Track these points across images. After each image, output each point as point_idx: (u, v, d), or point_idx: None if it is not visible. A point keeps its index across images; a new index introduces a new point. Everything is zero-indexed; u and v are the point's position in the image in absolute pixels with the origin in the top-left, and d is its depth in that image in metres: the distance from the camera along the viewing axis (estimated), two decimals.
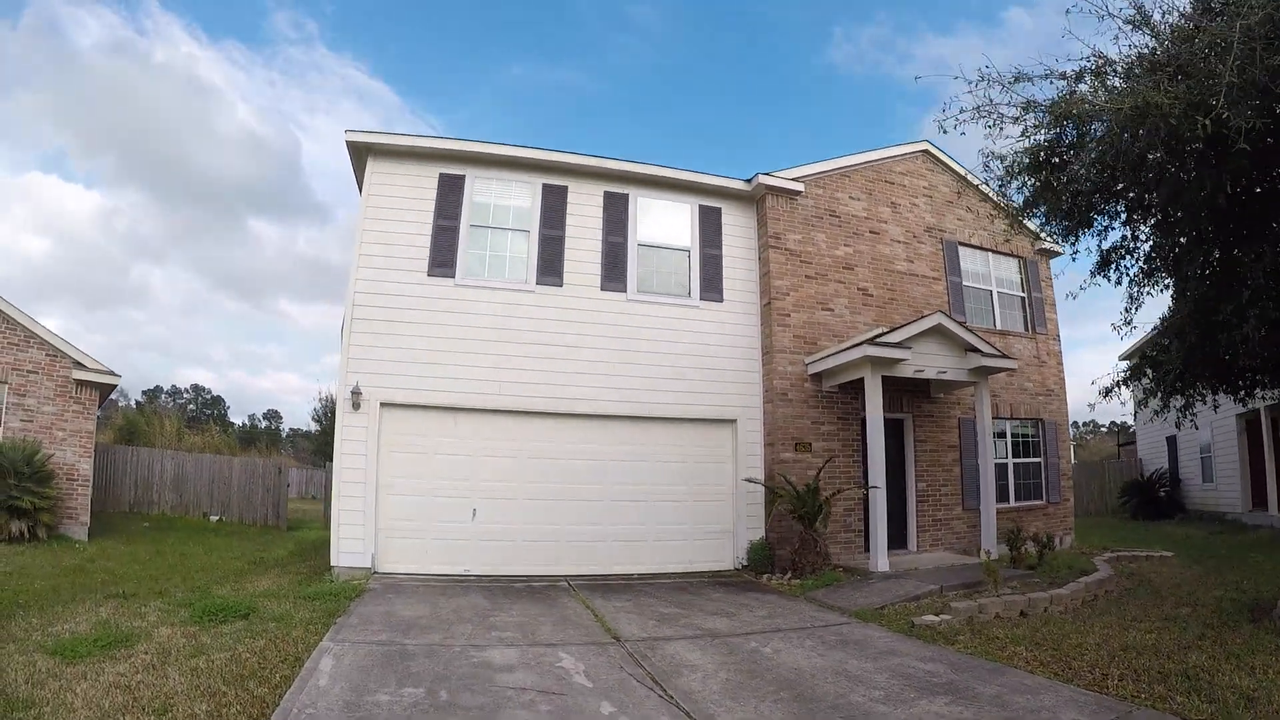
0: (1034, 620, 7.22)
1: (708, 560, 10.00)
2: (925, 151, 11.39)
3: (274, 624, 6.38)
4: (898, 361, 9.57)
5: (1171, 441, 17.77)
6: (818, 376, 10.27)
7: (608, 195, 10.26)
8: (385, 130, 9.56)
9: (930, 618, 6.91)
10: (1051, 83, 7.28)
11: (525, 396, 9.58)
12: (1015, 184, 7.82)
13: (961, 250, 11.37)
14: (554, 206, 10.05)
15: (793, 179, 10.52)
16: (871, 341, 9.46)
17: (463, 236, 9.73)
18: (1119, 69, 7.03)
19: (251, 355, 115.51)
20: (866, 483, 9.97)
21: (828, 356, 10.08)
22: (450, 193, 9.79)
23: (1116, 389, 8.02)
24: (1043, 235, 12.06)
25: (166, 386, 70.32)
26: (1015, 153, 7.02)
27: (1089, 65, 7.12)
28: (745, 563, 9.93)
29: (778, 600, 8.40)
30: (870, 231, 10.88)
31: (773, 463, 10.03)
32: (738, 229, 10.69)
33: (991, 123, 6.55)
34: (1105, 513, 18.89)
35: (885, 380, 9.95)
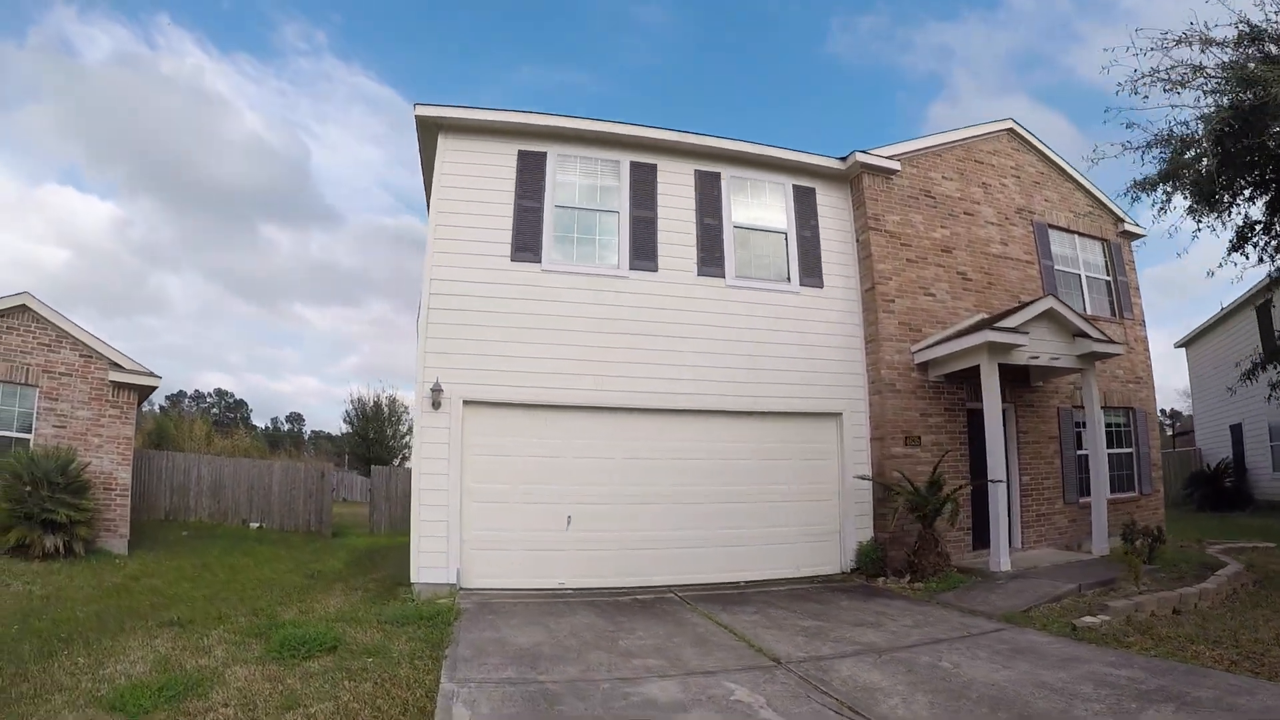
0: (1192, 617, 6.64)
1: (814, 564, 9.14)
2: (1010, 130, 10.64)
3: (370, 659, 5.31)
4: (1014, 348, 8.79)
5: (1236, 430, 16.94)
6: (924, 366, 9.47)
7: (699, 174, 9.38)
8: (458, 104, 8.50)
9: (1089, 619, 6.33)
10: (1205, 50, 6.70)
11: (622, 392, 8.57)
12: (1151, 155, 7.22)
13: (1051, 233, 10.74)
14: (643, 186, 9.16)
15: (888, 157, 9.72)
16: (993, 326, 8.70)
17: (547, 218, 8.76)
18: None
19: (268, 359, 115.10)
20: (973, 477, 9.30)
21: (939, 343, 9.31)
22: (531, 171, 8.84)
23: None
24: (1124, 217, 11.58)
25: (189, 391, 68.35)
26: (1174, 123, 6.41)
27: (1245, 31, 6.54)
28: (854, 565, 9.05)
29: (910, 606, 7.50)
30: (964, 213, 10.15)
31: (882, 458, 9.24)
32: (831, 210, 9.85)
33: (1168, 85, 5.91)
34: (1167, 505, 18.43)
35: (975, 370, 9.29)
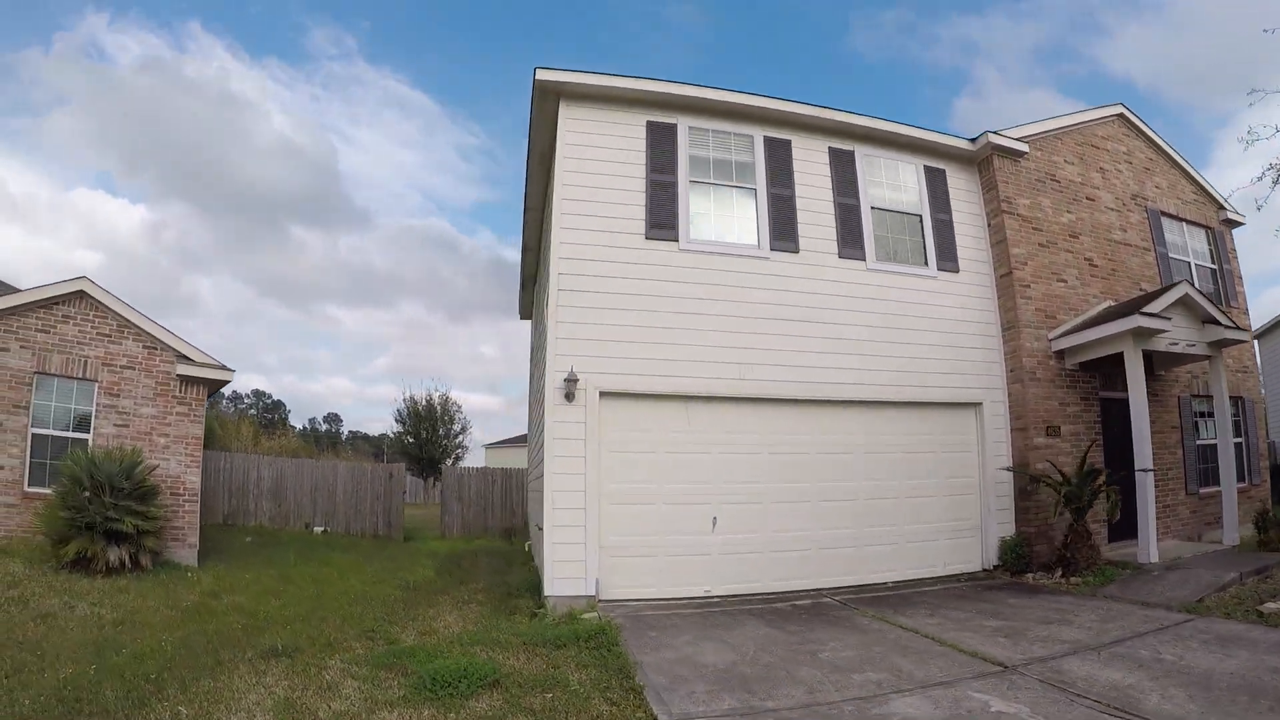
0: None
1: (958, 562, 8.42)
2: (1121, 115, 10.22)
3: (549, 695, 4.39)
4: (1157, 334, 8.28)
5: None
6: (1060, 354, 8.98)
7: (833, 152, 8.68)
8: (582, 69, 7.67)
9: (1272, 605, 6.12)
10: None
11: (765, 381, 7.73)
12: None
13: (1162, 219, 10.36)
14: (779, 162, 8.45)
15: (1016, 139, 9.26)
16: (1141, 311, 8.26)
17: (682, 194, 7.92)
18: None
19: (302, 360, 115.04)
20: (1107, 467, 8.83)
21: (1078, 330, 8.78)
22: (662, 143, 8.04)
23: None
24: (1225, 204, 11.32)
25: (227, 393, 65.26)
26: None
27: None
28: (996, 562, 8.31)
29: (1080, 601, 6.87)
30: (1086, 198, 9.69)
31: (1024, 449, 8.67)
32: (961, 193, 9.19)
33: None
34: None
35: (1107, 359, 8.88)
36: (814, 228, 8.25)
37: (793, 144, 8.36)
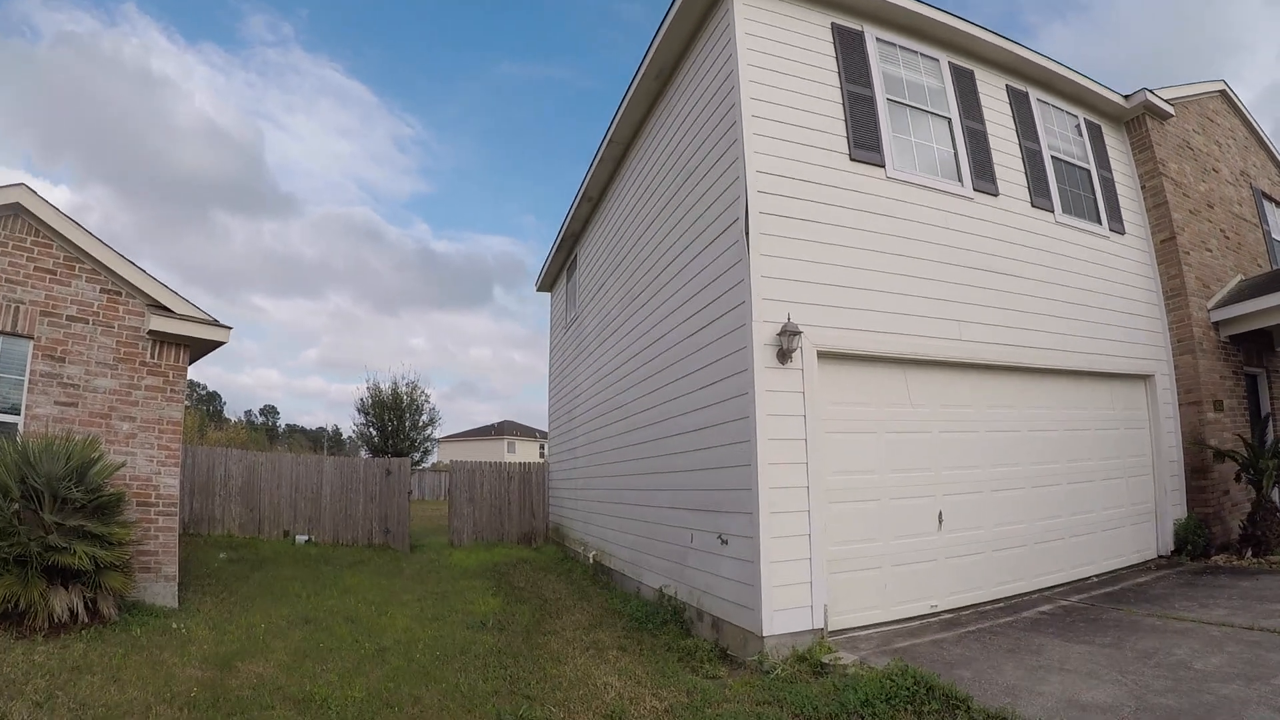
0: None
1: (1138, 550, 7.23)
2: (1223, 92, 10.00)
3: None
4: None
5: None
6: (1215, 325, 8.38)
7: (1011, 90, 7.45)
8: None
9: None
10: None
11: (982, 343, 6.16)
12: None
13: (1263, 199, 10.20)
14: (967, 93, 7.06)
15: (1168, 100, 8.61)
16: None
17: (882, 112, 6.20)
18: None
19: (228, 352, 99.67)
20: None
21: (1239, 300, 8.21)
22: (852, 52, 6.34)
23: None
24: None
25: None
26: None
27: None
28: (1173, 547, 7.34)
29: None
30: (1212, 169, 9.19)
31: (1197, 424, 7.81)
32: (1116, 151, 8.29)
33: None
34: None
35: (1249, 333, 8.40)
36: (1007, 170, 6.98)
37: (975, 76, 7.07)
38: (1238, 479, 7.45)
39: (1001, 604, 5.97)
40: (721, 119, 5.84)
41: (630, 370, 8.26)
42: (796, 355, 5.30)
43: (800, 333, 5.25)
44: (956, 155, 6.63)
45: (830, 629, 5.11)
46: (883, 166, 6.10)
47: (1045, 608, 5.84)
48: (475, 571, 9.60)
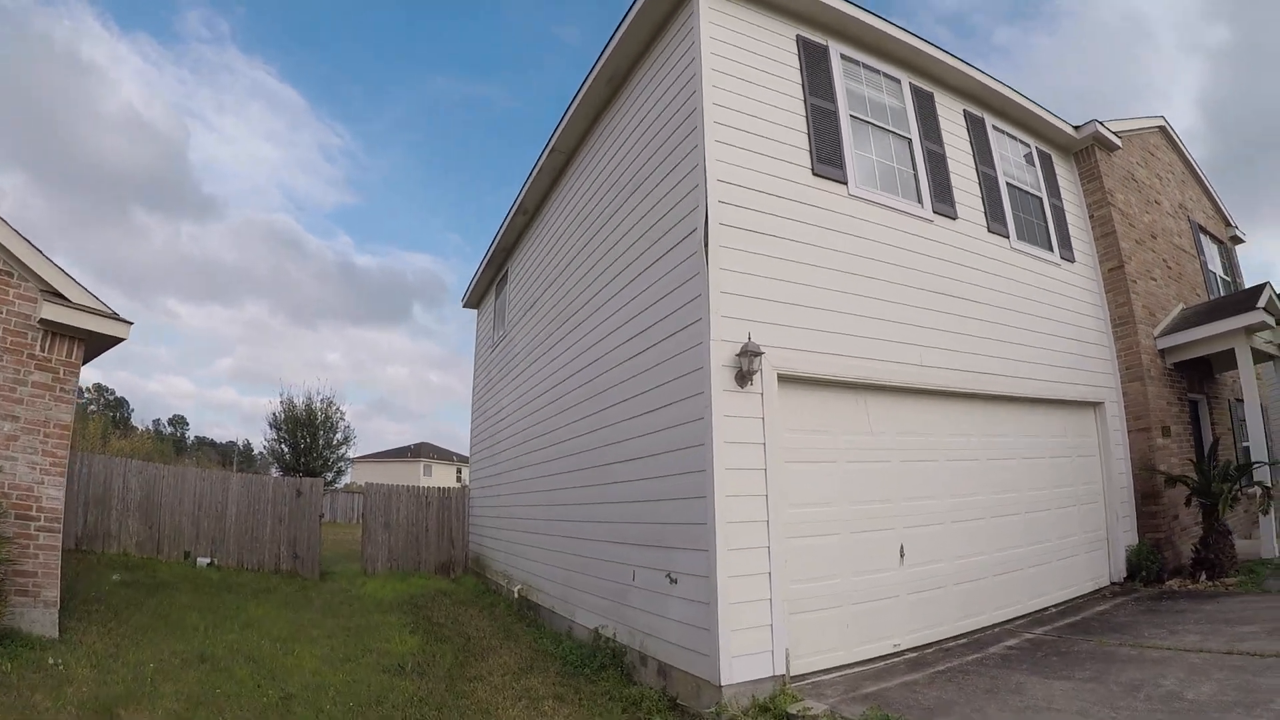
0: None
1: (1092, 578, 7.11)
2: (1162, 128, 10.36)
3: None
4: (1261, 329, 8.17)
5: None
6: (1161, 353, 8.50)
7: (968, 115, 7.40)
8: None
9: None
10: None
11: (942, 369, 5.98)
12: None
13: (1199, 232, 10.53)
14: (927, 114, 6.97)
15: (1114, 132, 8.78)
16: (1257, 307, 7.91)
17: (844, 128, 6.02)
18: None
19: (138, 356, 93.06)
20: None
21: (1183, 328, 8.36)
22: (816, 65, 6.07)
23: None
24: (1232, 221, 11.87)
25: None
26: None
27: None
28: (1125, 574, 7.30)
29: (1262, 601, 6.18)
30: (1154, 201, 9.45)
31: (1146, 451, 7.84)
32: (1065, 180, 8.34)
33: None
34: None
35: (1191, 361, 8.61)
36: (965, 194, 6.92)
37: (935, 99, 7.02)
38: (1187, 503, 7.53)
39: (965, 640, 5.74)
40: (681, 124, 5.54)
41: (565, 392, 7.79)
42: (756, 378, 4.98)
43: (762, 354, 4.94)
44: (917, 176, 6.51)
45: (792, 673, 4.75)
46: (845, 183, 5.91)
47: (1011, 642, 5.64)
48: (391, 604, 8.92)
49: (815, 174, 5.76)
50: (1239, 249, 11.48)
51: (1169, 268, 8.97)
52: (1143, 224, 8.71)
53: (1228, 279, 10.81)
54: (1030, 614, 6.43)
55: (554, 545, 7.82)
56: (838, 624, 5.20)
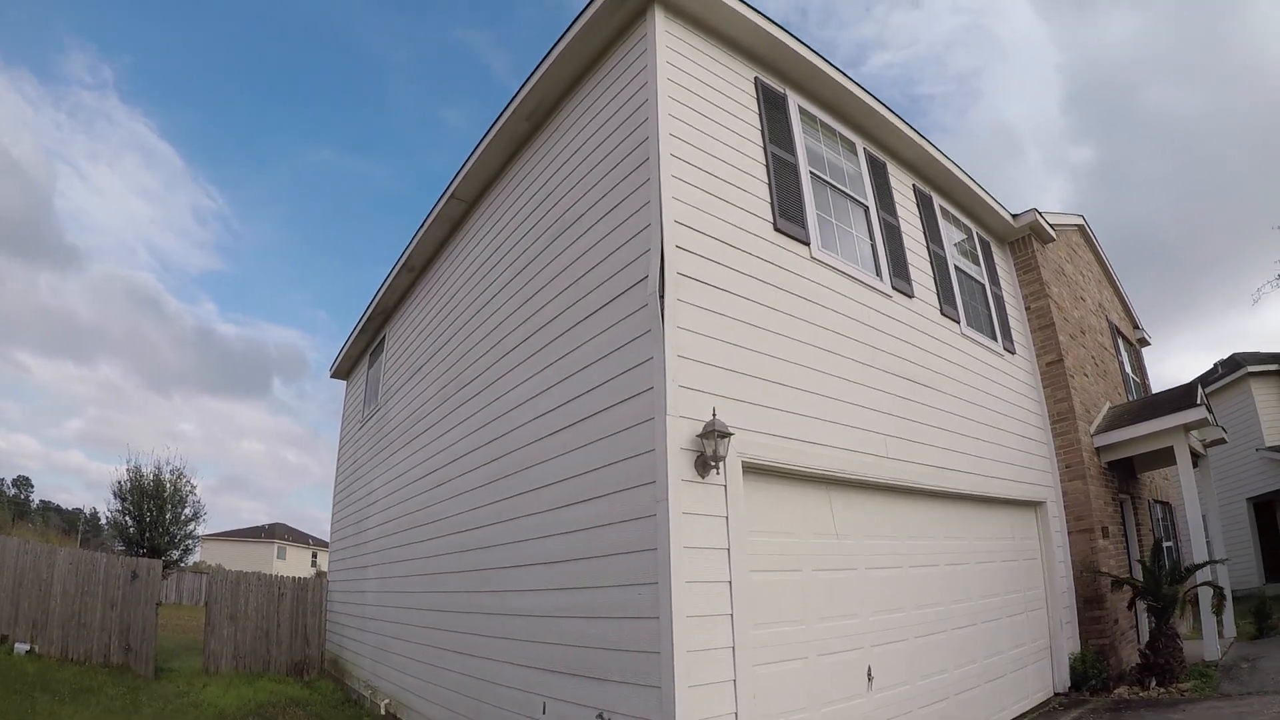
0: None
1: (1040, 689, 6.48)
2: (1080, 227, 10.70)
3: None
4: (1198, 427, 8.15)
5: None
6: (1098, 451, 8.32)
7: (918, 191, 7.16)
8: None
9: None
10: None
11: (905, 462, 5.30)
12: None
13: (1116, 333, 10.80)
14: (882, 186, 6.52)
15: (1050, 225, 8.84)
16: (1196, 404, 7.87)
17: (805, 184, 5.41)
18: None
19: None
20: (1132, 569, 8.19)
21: (1120, 426, 8.22)
22: (776, 112, 5.40)
23: None
24: (1139, 324, 12.38)
25: None
26: None
27: None
28: (1069, 683, 6.73)
29: (1228, 707, 5.77)
30: (1080, 298, 9.61)
31: (1088, 552, 7.38)
32: (1002, 270, 8.31)
33: None
34: None
35: (1121, 460, 8.55)
36: (920, 273, 6.50)
37: (889, 169, 6.71)
38: (1130, 607, 7.20)
39: None
40: (629, 154, 4.69)
41: (455, 474, 6.51)
42: (721, 466, 4.02)
43: (731, 435, 3.98)
44: (875, 247, 6.03)
45: None
46: (807, 244, 5.26)
47: None
48: (234, 716, 7.04)
49: (778, 229, 5.08)
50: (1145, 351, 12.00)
51: (1097, 365, 9.03)
52: (1074, 318, 8.75)
53: (1137, 380, 11.18)
54: None
55: (433, 659, 6.33)
56: None
